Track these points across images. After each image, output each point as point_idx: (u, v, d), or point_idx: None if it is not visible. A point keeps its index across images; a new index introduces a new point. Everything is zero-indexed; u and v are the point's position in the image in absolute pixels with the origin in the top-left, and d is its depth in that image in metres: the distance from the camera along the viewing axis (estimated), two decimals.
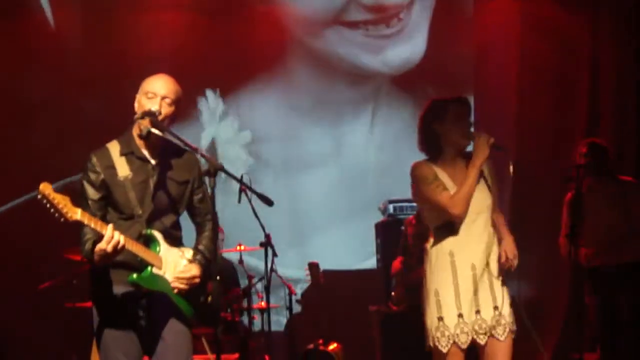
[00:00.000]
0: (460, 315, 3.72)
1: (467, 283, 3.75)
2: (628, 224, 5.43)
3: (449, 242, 3.78)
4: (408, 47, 7.86)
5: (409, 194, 4.08)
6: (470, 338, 3.72)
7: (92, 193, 3.44)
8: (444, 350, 3.71)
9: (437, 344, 3.72)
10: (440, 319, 3.72)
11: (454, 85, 7.52)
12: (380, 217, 7.21)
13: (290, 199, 7.54)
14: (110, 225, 3.25)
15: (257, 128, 7.81)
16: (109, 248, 3.22)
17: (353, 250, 7.67)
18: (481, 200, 3.82)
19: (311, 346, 6.27)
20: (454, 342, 3.70)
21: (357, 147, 7.92)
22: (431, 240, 3.86)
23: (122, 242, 3.25)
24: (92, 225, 3.24)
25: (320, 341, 6.27)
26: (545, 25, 7.42)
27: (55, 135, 6.89)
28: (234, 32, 7.54)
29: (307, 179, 7.80)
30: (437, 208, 3.78)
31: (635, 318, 5.48)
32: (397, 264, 6.28)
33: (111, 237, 3.22)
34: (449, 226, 3.79)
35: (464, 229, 3.78)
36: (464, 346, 3.72)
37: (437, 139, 3.84)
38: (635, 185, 5.63)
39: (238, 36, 7.54)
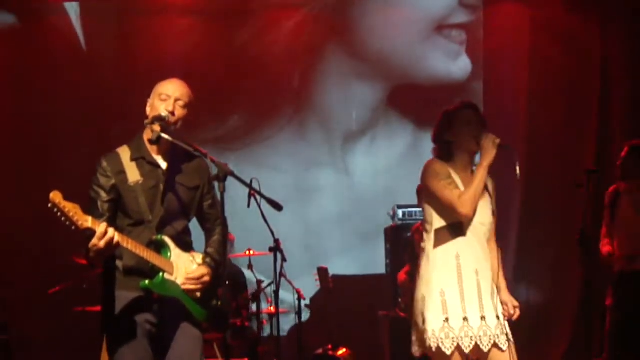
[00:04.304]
0: (465, 319, 3.68)
1: (472, 288, 3.72)
2: None
3: (455, 245, 3.76)
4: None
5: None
6: (473, 343, 3.67)
7: (103, 195, 3.43)
8: (448, 352, 3.65)
9: (440, 345, 3.65)
10: (446, 320, 3.67)
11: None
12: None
13: (300, 228, 7.53)
14: (104, 224, 3.19)
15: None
16: (102, 244, 3.16)
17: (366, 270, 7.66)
18: (485, 214, 3.82)
19: (320, 351, 6.25)
20: (458, 345, 3.65)
21: (358, 173, 7.95)
22: (432, 239, 3.80)
23: (116, 238, 3.19)
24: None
25: (329, 346, 6.26)
26: (555, 29, 7.41)
27: (85, 162, 6.78)
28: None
29: (314, 208, 7.82)
30: (445, 206, 3.74)
31: None
32: (402, 275, 6.27)
33: (104, 233, 3.16)
34: (455, 229, 3.77)
35: (469, 234, 3.77)
36: (467, 350, 3.66)
37: (450, 147, 3.87)
38: None
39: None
